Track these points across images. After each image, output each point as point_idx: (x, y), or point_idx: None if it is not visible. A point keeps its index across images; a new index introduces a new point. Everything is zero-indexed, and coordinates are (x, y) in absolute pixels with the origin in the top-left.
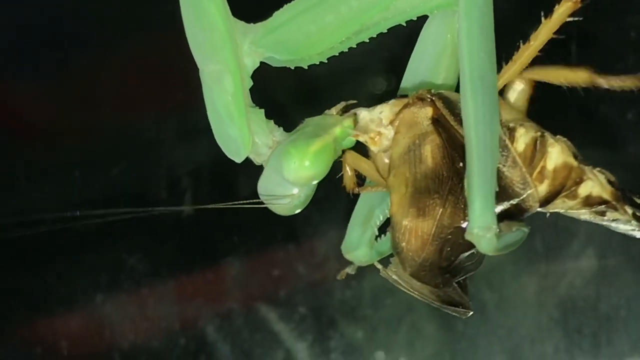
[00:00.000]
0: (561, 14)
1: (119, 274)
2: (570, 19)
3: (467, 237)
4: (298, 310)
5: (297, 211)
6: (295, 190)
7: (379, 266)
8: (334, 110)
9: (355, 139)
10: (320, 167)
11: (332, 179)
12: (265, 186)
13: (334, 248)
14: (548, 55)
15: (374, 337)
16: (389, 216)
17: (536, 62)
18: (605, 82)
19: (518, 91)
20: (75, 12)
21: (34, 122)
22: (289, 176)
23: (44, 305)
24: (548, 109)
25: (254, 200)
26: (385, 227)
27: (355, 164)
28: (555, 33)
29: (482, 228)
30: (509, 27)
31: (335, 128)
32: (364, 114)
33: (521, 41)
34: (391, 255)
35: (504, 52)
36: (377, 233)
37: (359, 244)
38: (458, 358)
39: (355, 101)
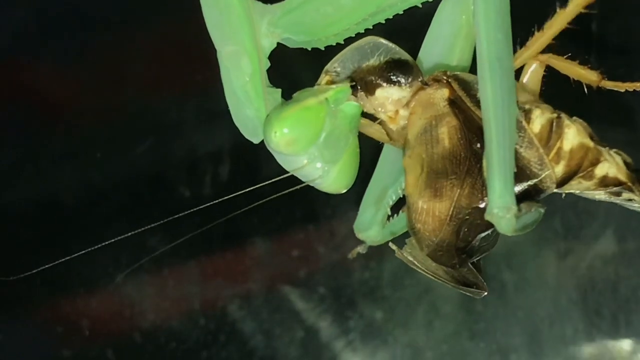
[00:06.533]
0: (577, 5)
1: (139, 254)
2: (585, 11)
3: (487, 217)
4: (317, 291)
5: (343, 188)
6: (304, 161)
7: (394, 247)
8: (322, 80)
9: (359, 111)
10: (301, 131)
11: None
12: (283, 165)
13: (353, 229)
14: (568, 34)
15: (393, 317)
16: (401, 196)
17: (560, 42)
18: (613, 85)
19: (532, 72)
20: None
21: (56, 104)
22: (274, 147)
23: (65, 285)
24: (566, 92)
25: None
26: (397, 206)
27: (363, 128)
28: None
29: (502, 208)
30: (525, 11)
31: (324, 92)
32: (379, 91)
33: (536, 26)
34: (404, 235)
35: (519, 37)
36: (389, 213)
37: (371, 224)
38: (476, 338)
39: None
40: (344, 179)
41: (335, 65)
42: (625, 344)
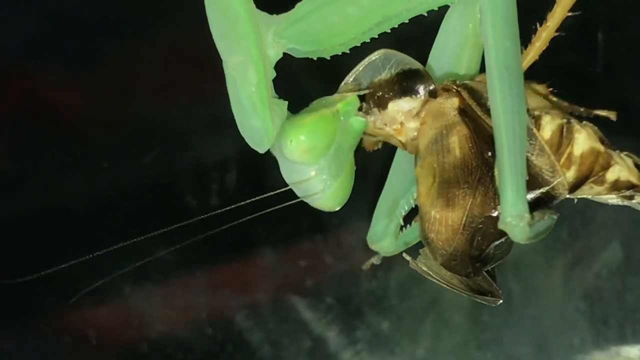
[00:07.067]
0: None
1: (146, 264)
2: None
3: (501, 226)
4: (325, 301)
5: (337, 205)
6: (312, 172)
7: (408, 258)
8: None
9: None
10: (317, 140)
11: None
12: (286, 177)
13: (360, 239)
14: (575, 44)
15: (400, 327)
16: (414, 206)
17: (565, 52)
18: (556, 101)
19: None
20: (103, 1)
21: (62, 113)
22: (289, 155)
23: (73, 295)
24: (575, 96)
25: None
26: (410, 217)
27: (376, 131)
28: (582, 22)
29: (515, 217)
30: (527, 12)
31: (336, 104)
32: (391, 104)
33: (537, 24)
34: (417, 245)
35: (521, 36)
36: (402, 223)
37: (384, 235)
38: (484, 348)
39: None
40: (341, 195)
41: (350, 82)
42: (632, 353)
